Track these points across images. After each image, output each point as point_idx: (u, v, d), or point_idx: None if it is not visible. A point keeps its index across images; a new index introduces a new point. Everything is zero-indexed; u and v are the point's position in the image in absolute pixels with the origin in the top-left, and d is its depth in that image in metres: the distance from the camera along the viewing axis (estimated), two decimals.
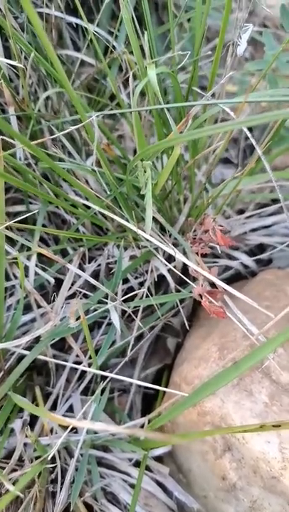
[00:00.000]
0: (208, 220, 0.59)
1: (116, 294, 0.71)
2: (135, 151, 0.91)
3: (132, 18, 0.59)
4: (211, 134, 0.48)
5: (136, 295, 0.79)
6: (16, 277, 0.72)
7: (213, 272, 0.58)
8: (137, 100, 0.56)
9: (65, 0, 0.83)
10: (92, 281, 0.66)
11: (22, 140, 0.46)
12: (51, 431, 0.69)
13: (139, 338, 0.82)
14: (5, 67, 0.64)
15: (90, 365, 0.73)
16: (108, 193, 0.73)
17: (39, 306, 0.72)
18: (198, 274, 0.55)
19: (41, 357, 0.66)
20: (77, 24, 0.87)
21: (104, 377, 0.75)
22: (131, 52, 0.70)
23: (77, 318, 0.59)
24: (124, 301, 0.72)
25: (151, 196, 0.56)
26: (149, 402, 0.84)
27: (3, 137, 0.52)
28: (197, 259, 0.60)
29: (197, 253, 0.61)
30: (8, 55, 0.75)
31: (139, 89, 0.56)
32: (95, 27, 0.73)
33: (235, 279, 0.89)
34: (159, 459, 0.73)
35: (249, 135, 0.53)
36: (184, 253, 0.75)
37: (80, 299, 0.76)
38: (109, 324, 0.79)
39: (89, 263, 0.78)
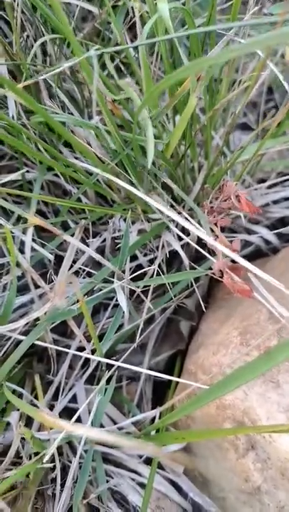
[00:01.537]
0: (229, 185, 0.50)
1: (123, 272, 0.63)
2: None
3: None
4: (240, 54, 0.39)
5: (145, 274, 0.71)
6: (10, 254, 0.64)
7: (235, 245, 0.50)
8: (144, 41, 0.47)
9: None
10: (97, 256, 0.58)
11: (13, 87, 0.38)
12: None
13: (150, 321, 0.74)
14: None
15: (95, 351, 0.65)
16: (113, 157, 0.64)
17: (37, 287, 0.64)
18: (218, 248, 0.46)
19: (39, 342, 0.58)
20: None
21: (111, 365, 0.67)
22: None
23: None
24: (133, 279, 0.64)
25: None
26: (161, 390, 0.77)
27: None
28: (216, 230, 0.51)
29: (216, 224, 0.52)
30: None
31: (148, 26, 0.47)
32: None
33: (256, 256, 0.80)
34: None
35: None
36: (200, 226, 0.67)
37: (84, 278, 0.68)
38: (117, 306, 0.71)
39: (93, 238, 0.70)
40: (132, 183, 0.63)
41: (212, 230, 0.61)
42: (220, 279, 0.52)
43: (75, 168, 0.60)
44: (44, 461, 0.46)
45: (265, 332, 0.56)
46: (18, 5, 0.53)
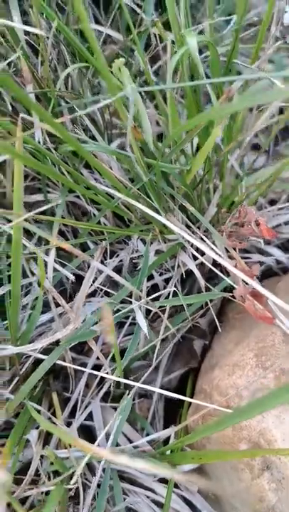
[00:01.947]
0: (249, 211, 0.52)
1: (141, 291, 0.65)
2: (160, 136, 0.84)
3: None
4: (265, 102, 0.41)
5: (161, 292, 0.73)
6: (33, 274, 0.66)
7: (254, 270, 0.51)
8: (171, 73, 0.49)
9: None
10: (118, 278, 0.60)
11: (44, 116, 0.40)
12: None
13: (163, 339, 0.75)
14: (22, 39, 0.57)
15: (110, 369, 0.67)
16: (133, 180, 0.66)
17: (57, 305, 0.66)
18: (238, 273, 0.48)
19: (60, 362, 0.60)
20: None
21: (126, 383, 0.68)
22: (163, 24, 0.63)
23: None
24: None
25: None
26: (173, 407, 0.78)
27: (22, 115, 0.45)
28: (235, 256, 0.53)
29: (234, 249, 0.54)
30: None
31: (176, 59, 0.49)
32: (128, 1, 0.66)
33: (267, 274, 0.82)
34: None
35: None
36: (215, 246, 0.68)
37: (101, 297, 0.70)
38: (133, 324, 0.73)
39: (110, 258, 0.72)
40: (150, 205, 0.64)
41: (227, 250, 0.63)
42: (236, 300, 0.54)
43: (97, 191, 0.61)
44: (72, 482, 0.47)
45: (281, 354, 0.57)
46: (48, 38, 0.55)
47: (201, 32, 0.70)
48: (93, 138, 0.71)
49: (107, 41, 0.83)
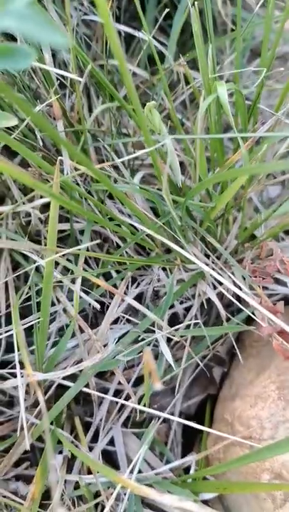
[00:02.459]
0: (275, 250, 0.54)
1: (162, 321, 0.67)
2: (180, 164, 0.87)
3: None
4: None
5: (180, 319, 0.75)
6: (59, 301, 0.68)
7: (279, 307, 0.53)
8: (202, 125, 0.51)
9: (112, 8, 0.79)
10: (142, 308, 0.62)
11: (85, 162, 0.42)
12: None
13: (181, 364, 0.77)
14: (55, 79, 0.60)
15: (129, 395, 0.68)
16: (154, 210, 0.69)
17: (81, 331, 0.68)
18: (264, 312, 0.50)
19: (85, 389, 0.61)
20: (119, 33, 0.83)
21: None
22: (193, 67, 0.66)
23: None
24: (170, 326, 0.68)
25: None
26: (191, 431, 0.79)
27: (44, 152, 0.47)
28: (259, 292, 0.55)
29: (259, 286, 0.56)
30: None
31: (206, 106, 0.51)
32: (151, 37, 0.68)
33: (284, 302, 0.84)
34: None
35: None
36: (232, 275, 0.70)
37: (124, 324, 0.72)
38: (153, 349, 0.74)
39: (132, 284, 0.74)
40: (173, 237, 0.67)
41: (251, 287, 0.65)
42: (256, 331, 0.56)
43: (122, 223, 0.64)
44: (106, 511, 0.49)
45: None
46: (81, 83, 0.58)
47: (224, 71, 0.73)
48: (116, 168, 0.73)
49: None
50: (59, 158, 0.47)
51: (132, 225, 0.66)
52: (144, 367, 0.37)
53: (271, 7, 0.57)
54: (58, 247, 0.76)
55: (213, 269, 0.71)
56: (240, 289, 0.65)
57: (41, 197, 0.60)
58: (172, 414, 0.75)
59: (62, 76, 0.66)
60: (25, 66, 0.28)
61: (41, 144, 0.62)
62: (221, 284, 0.70)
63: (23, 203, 0.58)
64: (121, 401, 0.61)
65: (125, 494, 0.62)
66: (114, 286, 0.71)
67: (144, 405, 0.56)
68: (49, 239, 0.53)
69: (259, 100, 0.58)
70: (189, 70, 0.67)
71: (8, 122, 0.47)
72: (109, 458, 0.72)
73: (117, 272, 0.73)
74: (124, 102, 0.55)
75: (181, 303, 0.75)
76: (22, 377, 0.61)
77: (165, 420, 0.79)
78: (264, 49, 0.58)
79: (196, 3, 0.55)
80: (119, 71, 0.34)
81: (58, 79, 0.66)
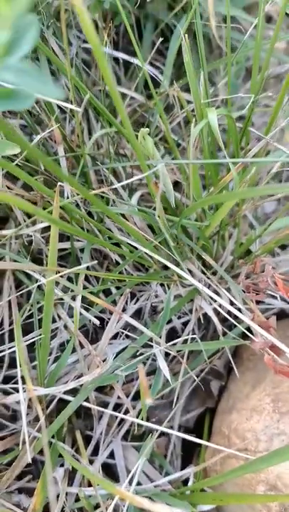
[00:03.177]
0: (266, 267, 0.56)
1: (160, 336, 0.69)
2: (174, 184, 0.89)
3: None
4: (279, 192, 0.45)
5: (178, 333, 0.77)
6: (60, 318, 0.70)
7: (272, 322, 0.55)
8: (194, 151, 0.54)
9: (110, 35, 0.83)
10: (139, 326, 0.64)
11: (81, 190, 0.45)
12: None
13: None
14: (55, 107, 0.63)
15: (131, 408, 0.70)
16: (153, 230, 0.71)
17: (82, 347, 0.70)
18: (256, 327, 0.52)
19: (85, 403, 0.63)
20: (117, 59, 0.86)
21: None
22: (188, 89, 0.69)
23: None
24: (168, 341, 0.70)
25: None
26: (190, 444, 0.81)
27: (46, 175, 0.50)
28: (253, 307, 0.57)
29: (252, 301, 0.58)
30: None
31: (197, 131, 0.54)
32: (147, 65, 0.72)
33: (279, 315, 0.85)
34: None
35: None
36: (228, 291, 0.72)
37: (123, 339, 0.74)
38: (152, 364, 0.76)
39: (130, 301, 0.76)
40: (170, 256, 0.69)
41: (244, 301, 0.67)
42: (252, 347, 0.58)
43: (121, 243, 0.66)
44: None
45: None
46: (80, 111, 0.61)
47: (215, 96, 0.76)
48: (115, 190, 0.76)
49: (126, 96, 0.89)
50: (58, 184, 0.50)
51: (130, 244, 0.69)
52: (140, 383, 0.39)
53: (260, 32, 0.60)
54: (59, 264, 0.79)
55: (209, 285, 0.73)
56: (234, 305, 0.67)
57: (42, 221, 0.62)
58: (171, 427, 0.77)
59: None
60: (26, 107, 0.31)
61: (42, 168, 0.65)
62: (215, 300, 0.73)
63: (27, 226, 0.61)
64: (120, 415, 0.62)
65: (126, 509, 0.63)
66: (114, 302, 0.74)
67: (142, 419, 0.58)
68: (50, 260, 0.55)
69: (250, 123, 0.61)
70: (183, 95, 0.70)
71: (11, 151, 0.50)
72: (110, 471, 0.73)
73: (117, 288, 0.75)
74: (121, 128, 0.58)
75: (179, 318, 0.77)
76: (24, 392, 0.63)
77: (164, 433, 0.80)
78: (254, 75, 0.61)
79: (191, 25, 0.58)
80: (112, 99, 0.37)
81: (58, 105, 0.70)
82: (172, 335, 0.78)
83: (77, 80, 0.57)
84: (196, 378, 0.69)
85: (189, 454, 0.80)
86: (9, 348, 0.67)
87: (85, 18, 0.30)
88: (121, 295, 0.71)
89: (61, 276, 0.59)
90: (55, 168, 0.39)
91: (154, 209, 0.64)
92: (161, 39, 0.67)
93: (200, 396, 0.80)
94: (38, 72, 0.25)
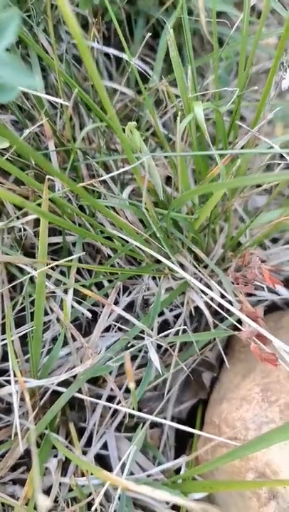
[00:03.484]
0: (253, 258, 0.57)
1: (152, 328, 0.70)
2: (167, 179, 0.90)
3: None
4: (264, 181, 0.46)
5: (171, 326, 0.78)
6: (52, 311, 0.71)
7: (259, 312, 0.56)
8: (180, 143, 0.55)
9: (101, 31, 0.83)
10: (131, 318, 0.65)
11: (70, 184, 0.45)
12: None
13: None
14: (45, 102, 0.64)
15: (123, 399, 0.71)
16: (145, 224, 0.72)
17: (74, 339, 0.71)
18: (243, 317, 0.53)
19: (78, 395, 0.64)
20: (108, 54, 0.87)
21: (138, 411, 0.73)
22: (170, 83, 0.70)
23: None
24: (159, 333, 0.71)
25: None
26: (183, 436, 0.82)
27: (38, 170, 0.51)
28: (241, 298, 0.58)
29: (241, 292, 0.59)
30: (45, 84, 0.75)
31: (184, 125, 0.55)
32: (135, 59, 0.72)
33: (271, 308, 0.86)
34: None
35: None
36: (219, 284, 0.73)
37: (115, 331, 0.75)
38: (144, 357, 0.77)
39: (123, 294, 0.77)
40: (161, 249, 0.70)
41: (235, 294, 0.68)
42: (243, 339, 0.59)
43: (112, 236, 0.67)
44: (92, 509, 0.51)
45: (285, 389, 0.62)
46: (70, 106, 0.62)
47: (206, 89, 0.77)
48: (106, 183, 0.77)
49: (118, 91, 0.90)
50: (47, 177, 0.51)
51: (122, 237, 0.70)
52: (125, 369, 0.40)
53: (246, 28, 0.61)
54: (51, 258, 0.79)
55: (201, 278, 0.74)
56: (225, 297, 0.68)
57: (32, 213, 0.63)
58: (165, 418, 0.78)
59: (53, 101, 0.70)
60: (11, 99, 0.31)
61: (33, 163, 0.65)
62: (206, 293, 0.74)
63: (17, 218, 0.62)
64: (113, 406, 0.63)
65: (119, 497, 0.64)
66: (106, 295, 0.75)
67: (134, 409, 0.59)
68: (40, 252, 0.56)
69: (237, 117, 0.62)
70: (172, 90, 0.70)
71: (1, 145, 0.51)
72: (103, 462, 0.74)
73: (109, 281, 0.76)
74: (109, 122, 0.59)
75: (171, 310, 0.78)
76: (17, 384, 0.64)
77: (158, 425, 0.82)
78: (240, 69, 0.62)
79: (182, 21, 0.59)
80: (98, 94, 0.38)
81: (48, 101, 0.70)
82: (165, 327, 0.79)
83: (66, 75, 0.58)
84: (186, 369, 0.70)
85: (183, 444, 0.81)
86: (2, 340, 0.68)
87: (67, 12, 0.31)
88: (113, 288, 0.72)
89: (53, 269, 0.60)
90: (43, 162, 0.40)
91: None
92: (149, 34, 0.68)
93: (192, 387, 0.81)
94: (19, 64, 0.25)
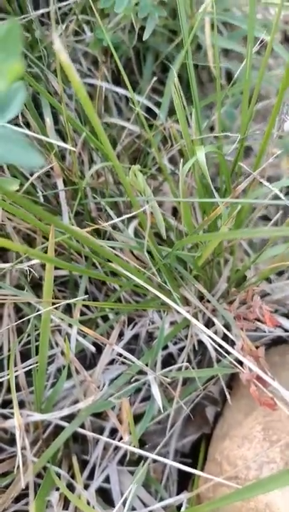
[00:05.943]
0: (255, 297, 0.58)
1: (155, 363, 0.70)
2: (174, 209, 0.92)
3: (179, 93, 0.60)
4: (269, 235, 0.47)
5: (175, 359, 0.78)
6: (57, 345, 0.72)
7: (260, 352, 0.57)
8: (183, 176, 0.56)
9: (110, 69, 0.86)
10: (131, 357, 0.66)
11: (75, 233, 0.47)
12: (88, 503, 0.68)
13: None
14: (55, 145, 0.66)
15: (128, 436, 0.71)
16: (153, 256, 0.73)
17: (78, 372, 0.71)
18: (243, 360, 0.54)
19: (80, 430, 0.65)
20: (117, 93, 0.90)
21: (141, 445, 0.73)
22: (177, 121, 0.72)
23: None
24: (164, 367, 0.71)
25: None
26: (186, 471, 0.81)
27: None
28: (242, 335, 0.59)
29: (242, 329, 0.60)
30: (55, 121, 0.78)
31: (186, 171, 0.57)
32: (143, 99, 0.75)
33: (276, 342, 0.86)
34: None
35: None
36: (224, 318, 0.74)
37: (119, 364, 0.75)
38: (148, 389, 0.78)
39: (128, 325, 0.78)
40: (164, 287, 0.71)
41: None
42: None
43: (118, 272, 0.68)
44: None
45: (286, 430, 0.62)
46: (76, 151, 0.64)
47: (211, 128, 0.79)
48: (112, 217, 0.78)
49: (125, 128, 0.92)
50: (52, 225, 0.53)
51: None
52: (124, 416, 0.40)
53: (249, 70, 0.62)
54: (59, 290, 0.81)
55: (204, 313, 0.75)
56: (230, 330, 0.69)
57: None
58: (168, 452, 0.78)
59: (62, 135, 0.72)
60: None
61: (42, 200, 0.68)
62: (213, 325, 0.74)
63: (26, 259, 0.64)
64: (115, 442, 0.64)
65: None
66: (111, 327, 0.76)
67: (134, 446, 0.59)
68: (45, 292, 0.57)
69: (240, 159, 0.63)
70: (179, 127, 0.72)
71: (11, 187, 0.53)
72: (105, 495, 0.74)
73: (116, 313, 0.77)
74: (115, 164, 0.60)
75: (175, 343, 0.78)
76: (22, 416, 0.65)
77: None
78: (244, 108, 0.63)
79: (189, 59, 0.61)
80: (98, 136, 0.39)
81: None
82: (169, 360, 0.79)
83: (74, 119, 0.60)
84: (185, 408, 0.70)
85: (186, 479, 0.81)
86: (8, 374, 0.69)
87: (65, 63, 0.32)
88: (117, 321, 0.73)
89: (56, 308, 0.61)
90: (49, 218, 0.42)
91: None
92: (154, 78, 0.70)
93: (196, 422, 0.81)
94: (21, 140, 0.27)
